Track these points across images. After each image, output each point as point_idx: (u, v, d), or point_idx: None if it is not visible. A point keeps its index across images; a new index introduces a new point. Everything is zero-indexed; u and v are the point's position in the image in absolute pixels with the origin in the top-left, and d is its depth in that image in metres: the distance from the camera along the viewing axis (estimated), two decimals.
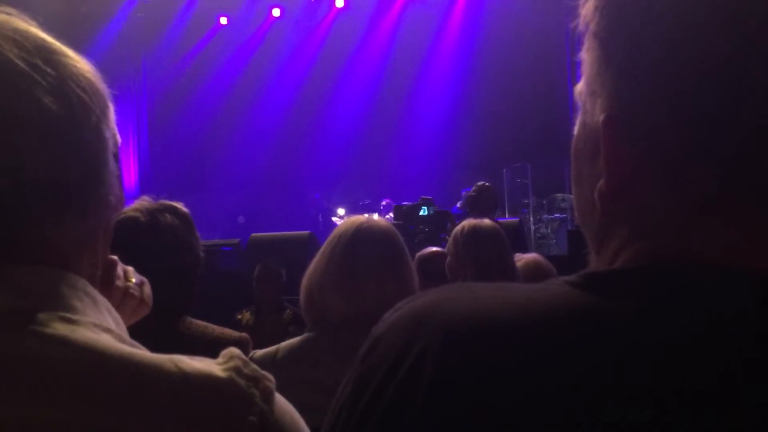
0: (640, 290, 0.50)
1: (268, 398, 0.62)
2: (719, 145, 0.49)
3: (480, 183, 6.50)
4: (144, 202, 1.83)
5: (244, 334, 1.94)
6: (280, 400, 0.65)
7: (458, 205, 8.27)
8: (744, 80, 0.48)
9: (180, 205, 1.88)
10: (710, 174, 0.50)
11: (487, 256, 2.80)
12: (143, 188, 12.10)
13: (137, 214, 1.77)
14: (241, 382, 0.61)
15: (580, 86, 0.59)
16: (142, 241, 1.69)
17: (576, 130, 0.61)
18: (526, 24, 11.39)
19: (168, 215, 1.81)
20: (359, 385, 0.54)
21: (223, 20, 12.81)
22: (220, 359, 0.64)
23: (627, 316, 0.49)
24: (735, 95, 0.48)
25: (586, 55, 0.57)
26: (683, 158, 0.51)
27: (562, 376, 0.47)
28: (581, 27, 0.57)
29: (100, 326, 0.63)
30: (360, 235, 1.83)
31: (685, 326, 0.48)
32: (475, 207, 6.13)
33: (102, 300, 0.69)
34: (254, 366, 0.64)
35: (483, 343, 0.50)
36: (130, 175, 12.27)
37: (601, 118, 0.54)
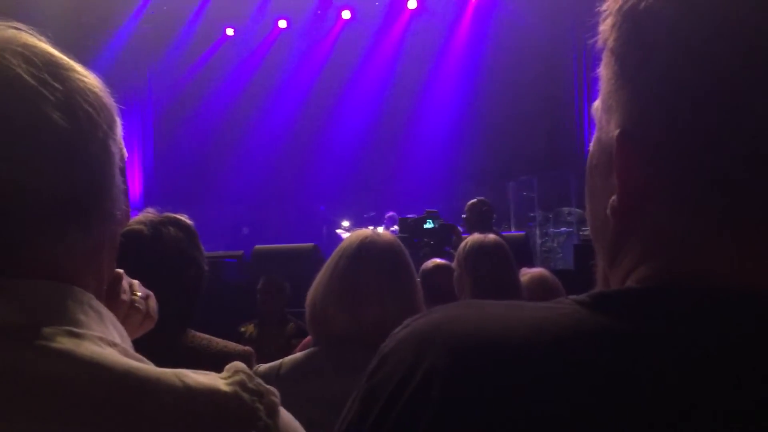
0: (650, 312, 0.50)
1: (272, 413, 0.62)
2: (732, 163, 0.49)
3: (474, 200, 6.54)
4: (148, 214, 1.83)
5: (248, 348, 1.93)
6: (285, 415, 0.65)
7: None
8: (757, 100, 0.48)
9: (184, 218, 1.87)
10: (723, 193, 0.50)
11: (488, 272, 2.80)
12: (147, 199, 12.12)
13: (141, 226, 1.76)
14: (246, 396, 0.61)
15: (597, 103, 0.59)
16: (145, 254, 1.69)
17: (591, 145, 0.61)
18: (533, 37, 11.42)
19: (172, 228, 1.81)
20: (366, 403, 0.54)
21: (230, 31, 12.86)
22: (224, 373, 0.64)
23: (638, 338, 0.49)
24: (749, 114, 0.48)
25: (603, 72, 0.57)
26: (695, 176, 0.50)
27: (572, 397, 0.47)
28: (599, 44, 0.57)
29: (105, 340, 0.63)
30: (363, 249, 1.83)
31: (696, 349, 0.47)
32: (473, 224, 6.15)
33: (107, 314, 0.69)
34: (259, 380, 0.64)
35: (491, 363, 0.50)
36: (135, 186, 12.29)
37: (615, 133, 0.54)
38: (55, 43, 0.69)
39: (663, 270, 0.53)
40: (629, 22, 0.54)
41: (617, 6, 0.55)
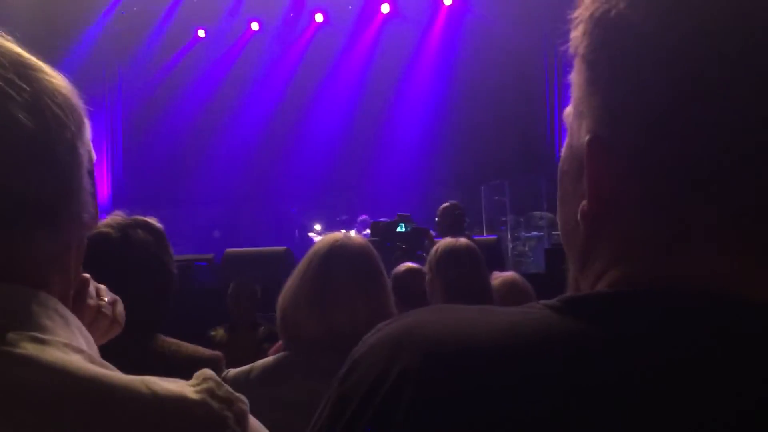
0: (620, 315, 0.50)
1: (241, 421, 0.61)
2: (700, 168, 0.49)
3: (446, 204, 6.58)
4: (117, 217, 1.81)
5: (217, 352, 1.92)
6: (254, 423, 0.64)
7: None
8: (728, 103, 0.48)
9: (153, 221, 1.85)
10: (691, 198, 0.50)
11: (459, 276, 2.80)
12: (117, 202, 11.97)
13: (109, 229, 1.74)
14: (215, 404, 0.60)
15: (568, 109, 0.60)
16: (113, 258, 1.67)
17: (562, 151, 0.61)
18: (505, 41, 11.49)
19: (140, 231, 1.79)
20: (337, 407, 0.53)
21: (201, 33, 12.77)
22: (193, 381, 0.63)
23: (608, 342, 0.49)
24: (719, 118, 0.49)
25: (574, 78, 0.58)
26: (664, 181, 0.51)
27: (542, 401, 0.47)
28: (570, 50, 0.57)
29: (71, 346, 0.62)
30: (334, 254, 1.82)
31: (664, 354, 0.47)
32: (445, 228, 6.19)
33: (73, 319, 0.68)
34: (228, 388, 0.63)
35: (462, 366, 0.50)
36: (104, 188, 12.14)
37: (586, 138, 0.54)
38: (24, 43, 0.68)
39: (633, 273, 0.53)
40: (600, 28, 0.54)
41: (588, 13, 0.55)
